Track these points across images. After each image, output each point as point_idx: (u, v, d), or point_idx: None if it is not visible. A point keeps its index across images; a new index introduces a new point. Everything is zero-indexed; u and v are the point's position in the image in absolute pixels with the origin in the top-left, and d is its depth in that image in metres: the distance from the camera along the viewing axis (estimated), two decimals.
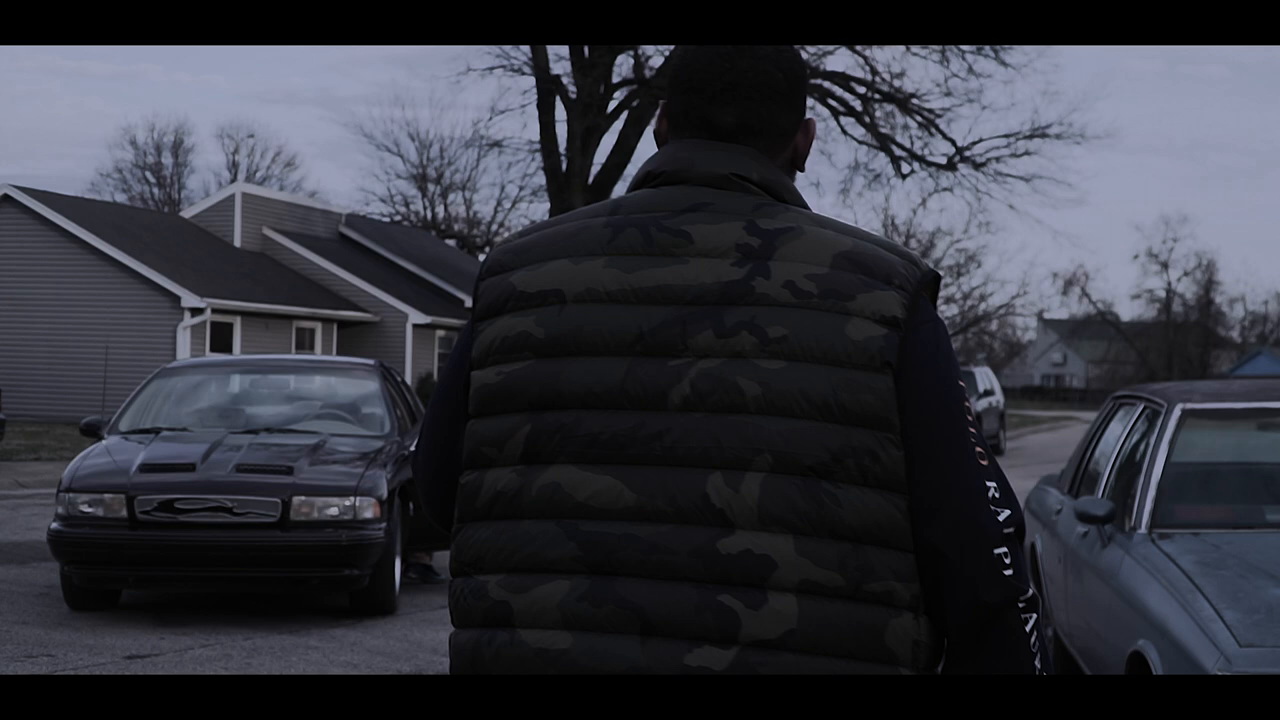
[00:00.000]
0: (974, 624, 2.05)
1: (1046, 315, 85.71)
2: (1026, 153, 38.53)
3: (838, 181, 69.42)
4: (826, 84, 36.44)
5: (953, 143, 38.47)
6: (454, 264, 44.97)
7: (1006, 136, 38.67)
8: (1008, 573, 2.05)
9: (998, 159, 38.54)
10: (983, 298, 74.94)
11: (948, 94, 37.33)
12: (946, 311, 74.16)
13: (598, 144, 35.92)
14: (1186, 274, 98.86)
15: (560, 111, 35.19)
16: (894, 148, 38.34)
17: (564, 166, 35.29)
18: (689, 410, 2.04)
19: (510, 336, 2.12)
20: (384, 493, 10.60)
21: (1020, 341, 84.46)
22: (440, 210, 55.99)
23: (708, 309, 2.07)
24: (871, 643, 2.01)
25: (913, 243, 68.60)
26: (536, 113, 35.23)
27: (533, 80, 35.14)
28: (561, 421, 2.07)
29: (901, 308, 2.08)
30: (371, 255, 40.93)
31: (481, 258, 47.89)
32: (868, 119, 37.62)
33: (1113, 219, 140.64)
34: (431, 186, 55.60)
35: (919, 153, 38.45)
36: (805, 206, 2.20)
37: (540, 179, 38.38)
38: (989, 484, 2.07)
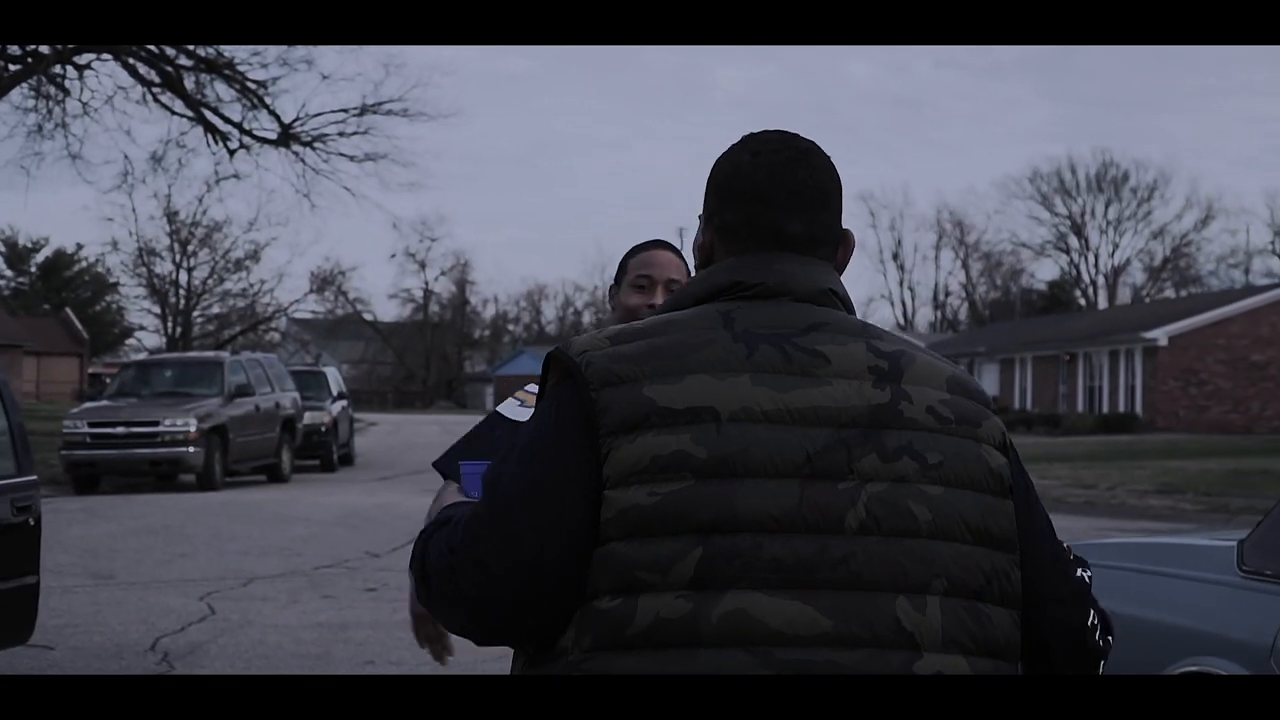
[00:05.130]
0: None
1: (295, 314, 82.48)
2: (357, 132, 35.37)
3: (143, 160, 63.16)
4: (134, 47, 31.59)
5: (277, 118, 34.77)
6: None
7: (340, 111, 35.38)
8: (1100, 646, 2.29)
9: (331, 136, 35.07)
10: (267, 294, 70.82)
11: (266, 65, 33.49)
12: (236, 305, 69.56)
13: None
14: (444, 273, 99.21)
15: None
16: (215, 120, 34.10)
17: None
18: (866, 534, 2.05)
19: (663, 456, 2.03)
20: None
21: (267, 342, 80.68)
22: None
23: (863, 431, 2.09)
24: None
25: (198, 233, 63.60)
26: None
27: None
28: (738, 546, 2.01)
29: (1002, 432, 2.23)
30: None
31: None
32: (187, 86, 33.08)
33: (374, 216, 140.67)
34: None
35: (248, 127, 34.35)
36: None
37: None
38: (1081, 574, 2.30)
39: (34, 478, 7.95)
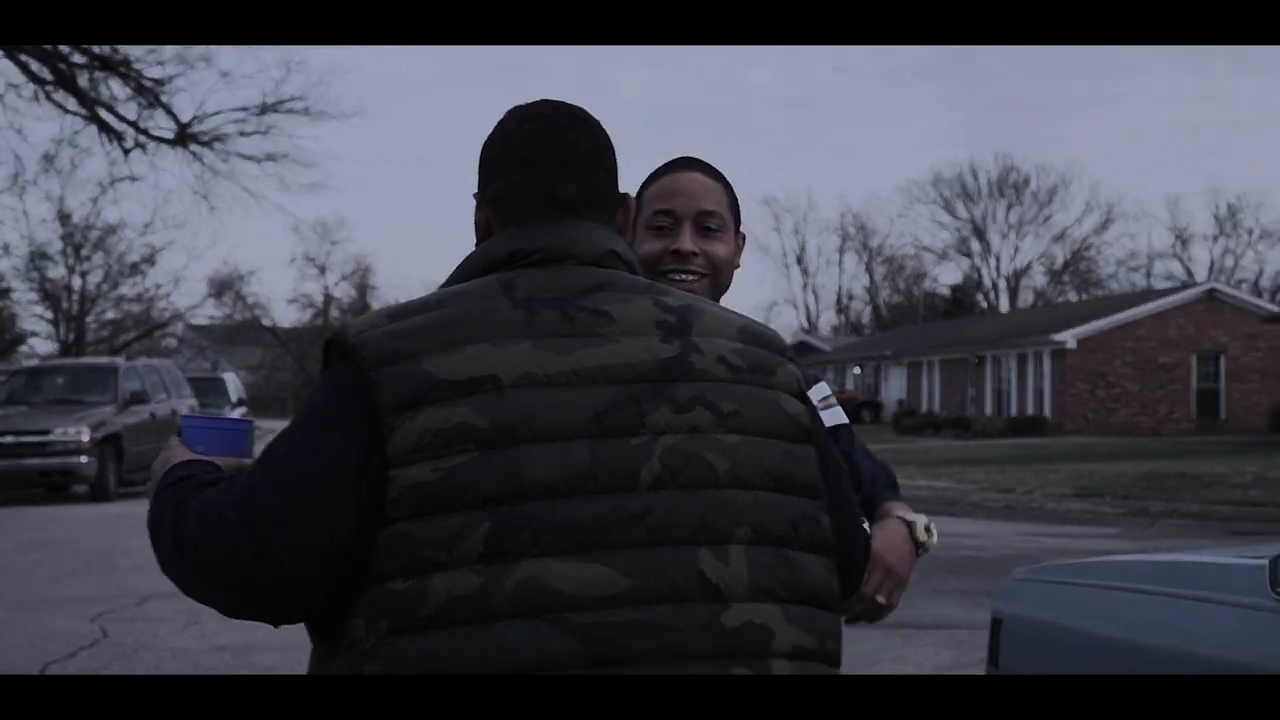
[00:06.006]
0: None
1: (193, 320, 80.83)
2: (257, 131, 34.49)
3: (35, 160, 61.43)
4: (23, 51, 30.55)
5: (174, 116, 33.78)
6: None
7: (240, 110, 34.51)
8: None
9: (231, 136, 34.16)
10: (164, 299, 69.35)
11: (163, 63, 32.52)
12: (132, 311, 68.18)
13: None
14: (345, 278, 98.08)
15: None
16: (110, 119, 33.06)
17: None
18: (661, 488, 2.02)
19: (445, 429, 1.98)
20: None
21: (164, 349, 78.92)
22: None
23: (654, 385, 2.06)
24: None
25: (91, 236, 62.25)
26: None
27: None
28: (527, 513, 1.96)
29: (798, 380, 2.19)
30: None
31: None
32: (81, 86, 32.06)
33: (274, 220, 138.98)
34: None
35: (144, 126, 33.34)
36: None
37: None
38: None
39: None
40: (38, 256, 63.24)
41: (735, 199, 2.83)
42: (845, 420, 2.93)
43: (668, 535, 1.99)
